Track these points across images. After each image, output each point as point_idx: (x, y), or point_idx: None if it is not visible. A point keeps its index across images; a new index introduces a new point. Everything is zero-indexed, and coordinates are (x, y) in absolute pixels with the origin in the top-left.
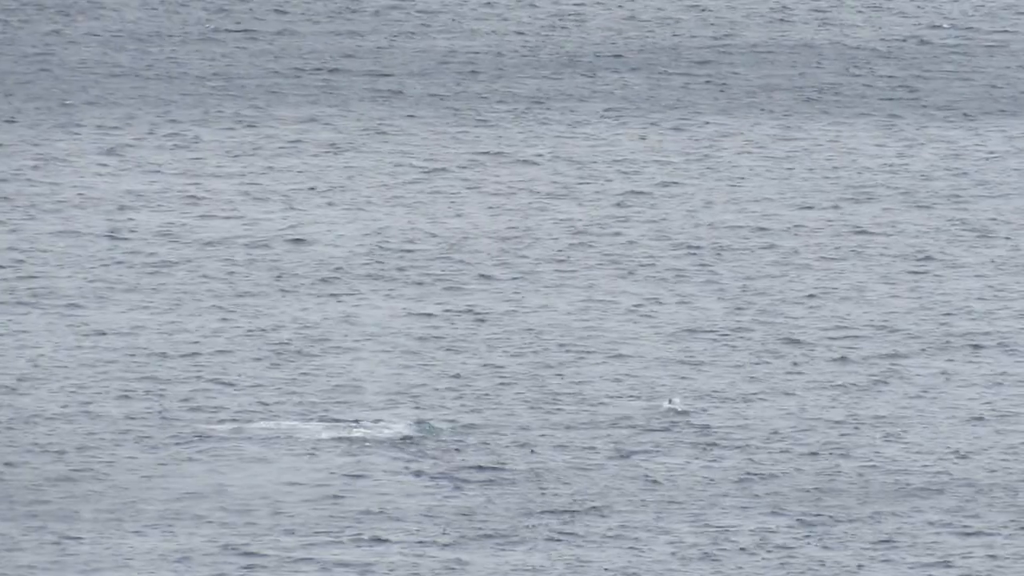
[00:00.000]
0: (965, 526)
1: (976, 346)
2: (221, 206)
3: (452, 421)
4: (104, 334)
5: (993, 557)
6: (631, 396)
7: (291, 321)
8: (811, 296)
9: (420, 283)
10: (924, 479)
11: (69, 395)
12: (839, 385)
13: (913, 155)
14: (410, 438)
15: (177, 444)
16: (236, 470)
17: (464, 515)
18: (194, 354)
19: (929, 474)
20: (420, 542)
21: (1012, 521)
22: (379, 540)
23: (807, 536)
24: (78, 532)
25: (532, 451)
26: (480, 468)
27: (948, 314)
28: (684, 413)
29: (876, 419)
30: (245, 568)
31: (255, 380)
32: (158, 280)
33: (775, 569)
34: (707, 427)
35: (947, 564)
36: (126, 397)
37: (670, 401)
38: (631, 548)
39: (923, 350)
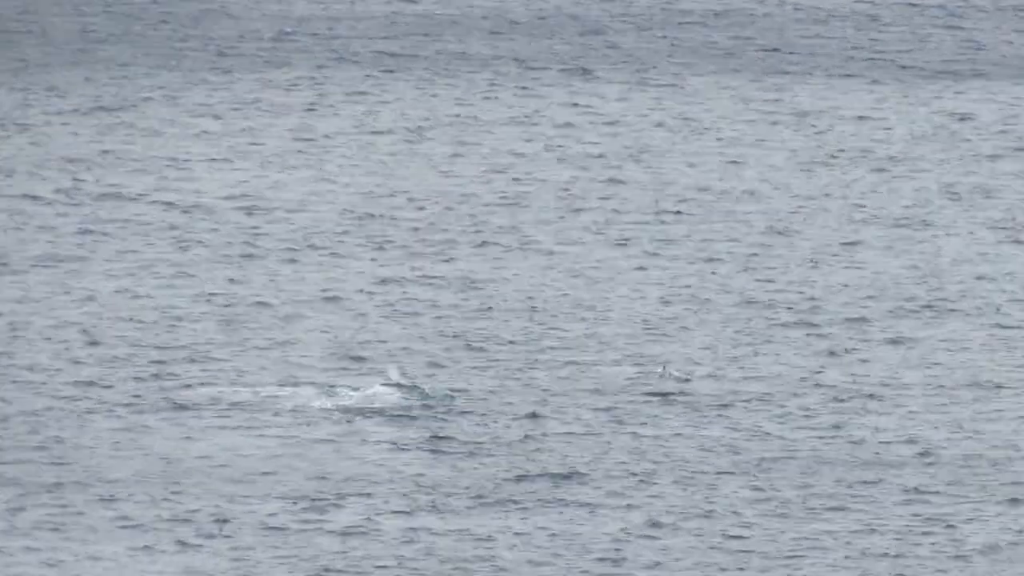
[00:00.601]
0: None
1: (971, 313)
2: (196, 168)
3: (443, 388)
4: (72, 298)
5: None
6: (622, 362)
7: (273, 287)
8: (810, 262)
9: (407, 247)
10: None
11: (36, 360)
12: (830, 351)
13: (901, 118)
14: (402, 405)
15: (154, 412)
16: (218, 437)
17: (450, 482)
18: (188, 320)
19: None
20: (406, 510)
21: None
22: (364, 507)
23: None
24: (57, 501)
25: (534, 415)
26: (470, 435)
27: (938, 277)
28: (680, 379)
29: (865, 385)
30: (226, 536)
31: (235, 346)
32: (135, 243)
33: (765, 542)
34: (698, 393)
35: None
36: (114, 362)
37: (664, 368)
38: (619, 515)
39: (914, 314)
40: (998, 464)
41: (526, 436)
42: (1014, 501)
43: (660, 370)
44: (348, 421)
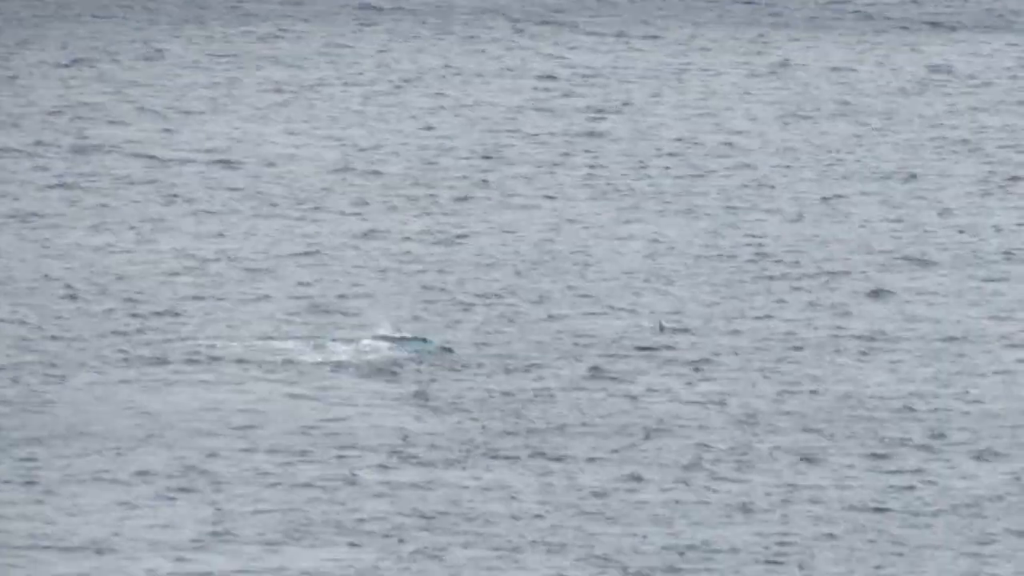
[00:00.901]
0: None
1: (955, 266)
2: (186, 122)
3: (431, 341)
4: (64, 254)
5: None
6: (609, 315)
7: (262, 241)
8: (796, 218)
9: (389, 201)
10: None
11: (26, 312)
12: (820, 305)
13: (890, 70)
14: (389, 359)
15: (136, 366)
16: (201, 391)
17: (439, 435)
18: (168, 274)
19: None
20: (392, 465)
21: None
22: (350, 462)
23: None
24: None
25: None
26: (456, 388)
27: (929, 231)
28: (672, 331)
29: (855, 339)
30: (211, 485)
31: (218, 300)
32: (114, 197)
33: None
34: (682, 347)
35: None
36: (93, 316)
37: (660, 325)
38: (610, 470)
39: (905, 268)
40: (976, 417)
41: (512, 390)
42: (985, 454)
43: (653, 324)
44: (334, 375)
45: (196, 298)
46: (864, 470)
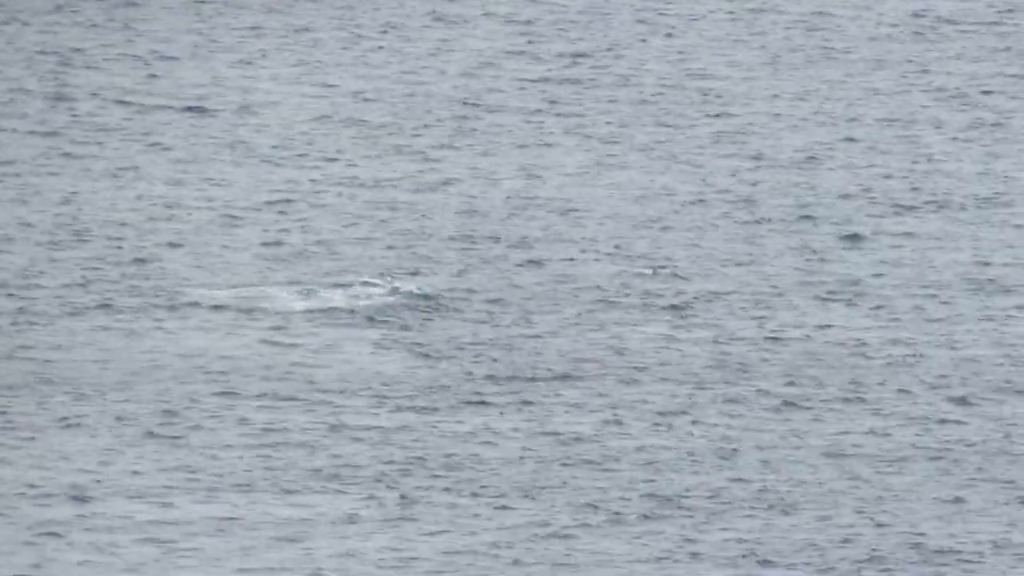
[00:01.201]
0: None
1: (960, 207)
2: (171, 69)
3: (424, 287)
4: (50, 202)
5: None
6: (600, 259)
7: (243, 188)
8: (793, 159)
9: (375, 151)
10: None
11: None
12: (810, 251)
13: (875, 14)
14: (377, 305)
15: (132, 313)
16: (187, 338)
17: (424, 380)
18: (149, 220)
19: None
20: (375, 411)
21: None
22: (334, 408)
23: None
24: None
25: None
26: (443, 334)
27: (927, 174)
28: (658, 276)
29: (838, 284)
30: (192, 431)
31: (217, 247)
32: (104, 145)
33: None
34: (681, 294)
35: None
36: (73, 263)
37: (654, 272)
38: (601, 417)
39: (898, 214)
40: (956, 363)
41: (497, 336)
42: (967, 399)
43: (642, 269)
44: (318, 321)
45: (176, 245)
46: (846, 415)
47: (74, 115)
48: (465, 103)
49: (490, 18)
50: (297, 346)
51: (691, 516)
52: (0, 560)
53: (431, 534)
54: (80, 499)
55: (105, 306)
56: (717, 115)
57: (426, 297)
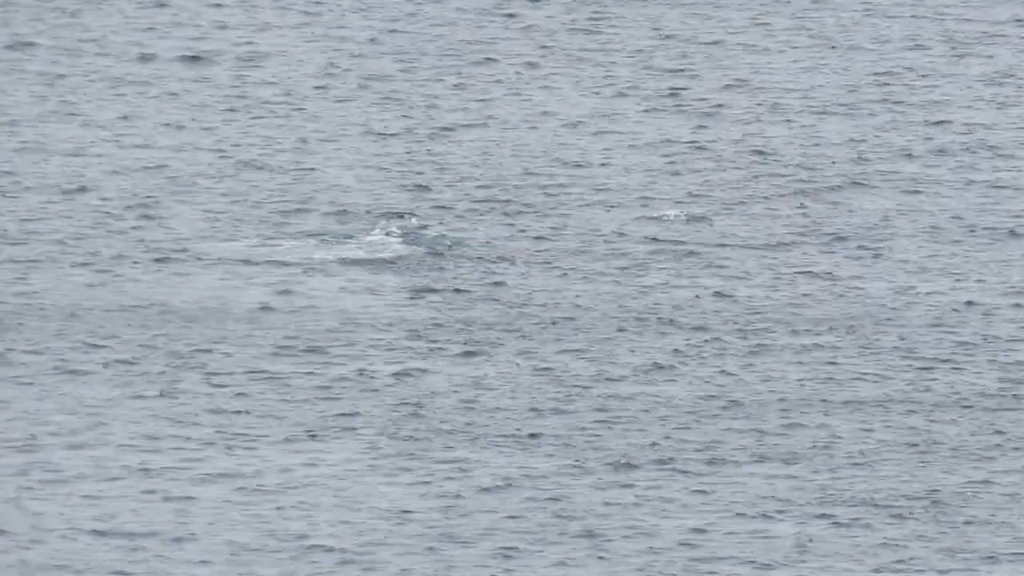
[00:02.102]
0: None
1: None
2: (167, 16)
3: (441, 235)
4: (49, 153)
5: None
6: (613, 211)
7: (263, 138)
8: (774, 107)
9: (393, 98)
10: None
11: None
12: (801, 194)
13: None
14: (399, 254)
15: (142, 264)
16: (208, 287)
17: (438, 328)
18: (152, 171)
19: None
20: (403, 359)
21: None
22: (357, 356)
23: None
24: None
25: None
26: (457, 282)
27: (937, 123)
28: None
29: (855, 232)
30: (206, 382)
31: (222, 198)
32: (105, 97)
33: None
34: (682, 243)
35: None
36: (83, 217)
37: (669, 217)
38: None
39: (892, 161)
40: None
41: (515, 284)
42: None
43: (665, 217)
44: (345, 269)
45: (203, 195)
46: (866, 367)
47: (66, 65)
48: (468, 54)
49: None
50: (310, 295)
51: (700, 465)
52: None
53: (434, 483)
54: (76, 447)
55: (115, 257)
56: (725, 68)
57: (442, 245)
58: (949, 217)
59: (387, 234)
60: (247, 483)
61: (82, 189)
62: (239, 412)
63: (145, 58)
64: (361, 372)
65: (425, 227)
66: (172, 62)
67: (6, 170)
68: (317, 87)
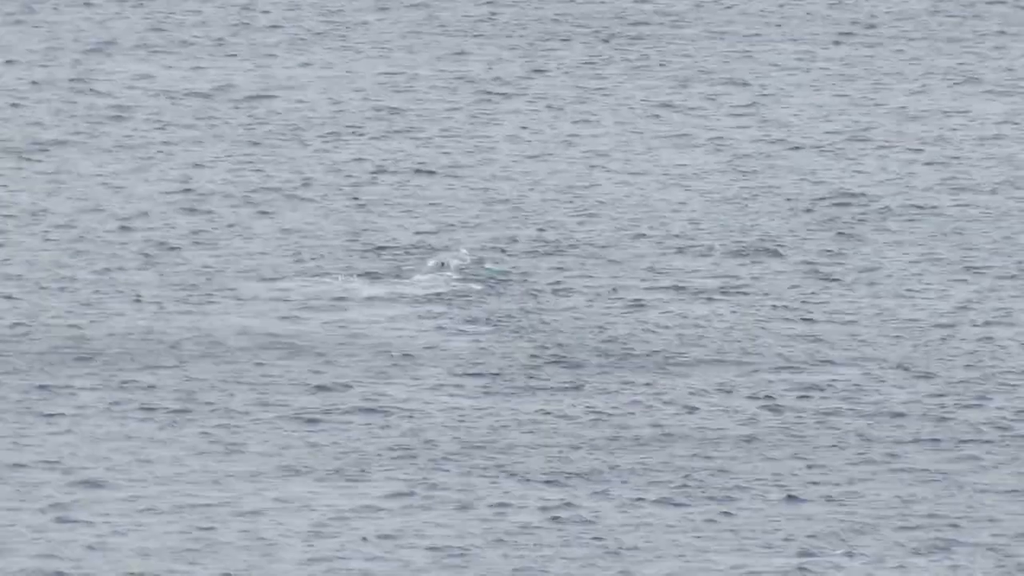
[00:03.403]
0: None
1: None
2: (208, 53)
3: (492, 265)
4: (84, 183)
5: None
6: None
7: (297, 169)
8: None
9: (415, 131)
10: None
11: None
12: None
13: None
14: (450, 287)
15: (185, 299)
16: (258, 322)
17: (498, 361)
18: (188, 208)
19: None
20: (456, 392)
21: None
22: (410, 388)
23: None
24: None
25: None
26: (507, 313)
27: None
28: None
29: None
30: (241, 416)
31: (266, 231)
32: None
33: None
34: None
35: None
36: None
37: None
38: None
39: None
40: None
41: (559, 315)
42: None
43: (705, 249)
44: (394, 303)
45: (244, 231)
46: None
47: (83, 102)
48: (486, 91)
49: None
50: (356, 327)
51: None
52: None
53: (486, 519)
54: (97, 485)
55: (161, 289)
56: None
57: (494, 273)
58: None
59: (440, 269)
60: (300, 519)
61: (124, 227)
62: (288, 448)
63: (187, 95)
64: (412, 411)
65: (475, 262)
66: (218, 96)
67: (24, 202)
68: (362, 120)
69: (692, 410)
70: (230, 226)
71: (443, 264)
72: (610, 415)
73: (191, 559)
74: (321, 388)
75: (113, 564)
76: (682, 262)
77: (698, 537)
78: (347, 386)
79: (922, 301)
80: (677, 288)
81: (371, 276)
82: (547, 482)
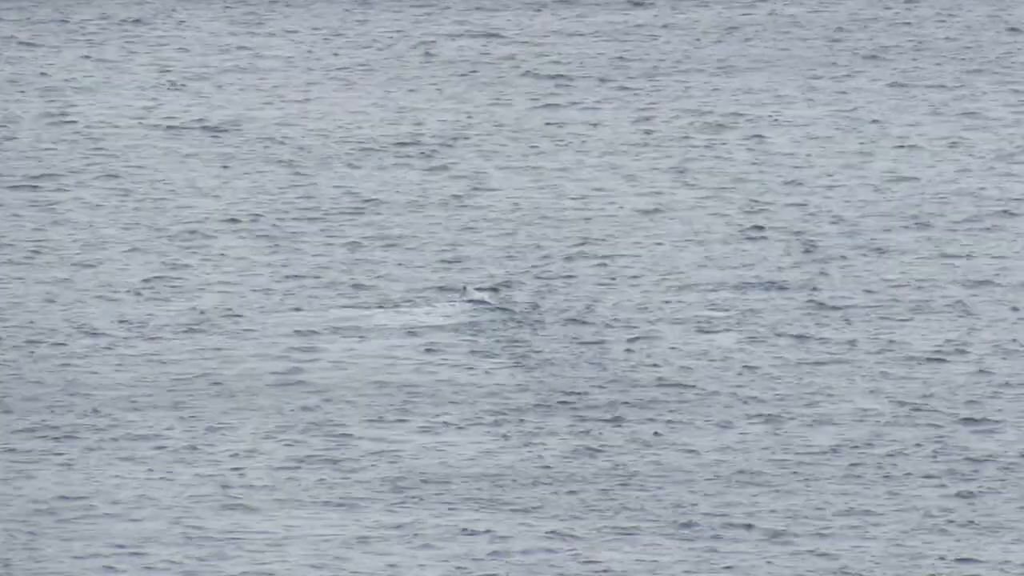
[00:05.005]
0: None
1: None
2: (233, 84)
3: (499, 297)
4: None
5: None
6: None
7: (323, 197)
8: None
9: (429, 162)
10: None
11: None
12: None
13: None
14: (473, 319)
15: (210, 334)
16: (283, 357)
17: (524, 394)
18: (205, 235)
19: None
20: (481, 423)
21: None
22: (435, 421)
23: None
24: None
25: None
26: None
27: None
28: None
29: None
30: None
31: (286, 265)
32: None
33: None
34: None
35: None
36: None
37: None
38: None
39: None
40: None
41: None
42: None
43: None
44: (418, 335)
45: (262, 263)
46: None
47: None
48: (495, 124)
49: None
50: (389, 360)
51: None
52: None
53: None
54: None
55: (179, 334)
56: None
57: (508, 309)
58: None
59: (470, 300)
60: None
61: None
62: (322, 480)
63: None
64: (440, 444)
65: (503, 293)
66: (213, 129)
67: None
68: (372, 153)
69: (690, 450)
70: (233, 257)
71: (465, 290)
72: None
73: None
74: (327, 421)
75: None
76: (681, 296)
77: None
78: (352, 419)
79: (924, 330)
80: (677, 321)
81: (380, 306)
82: (540, 517)
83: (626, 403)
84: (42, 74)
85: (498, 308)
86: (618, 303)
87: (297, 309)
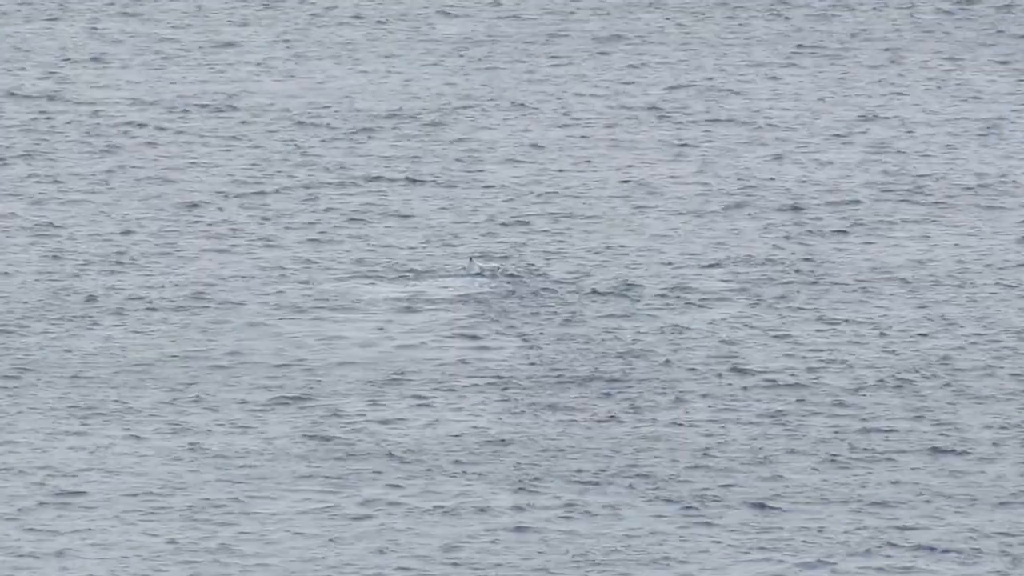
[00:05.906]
0: None
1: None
2: (244, 67)
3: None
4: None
5: None
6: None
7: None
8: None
9: (432, 145)
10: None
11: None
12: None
13: None
14: (473, 293)
15: (220, 308)
16: (285, 331)
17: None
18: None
19: None
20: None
21: None
22: (431, 396)
23: None
24: None
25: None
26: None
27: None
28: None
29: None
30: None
31: (284, 239)
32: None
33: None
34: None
35: None
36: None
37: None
38: None
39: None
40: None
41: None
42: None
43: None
44: (417, 311)
45: (261, 238)
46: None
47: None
48: (494, 99)
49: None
50: (390, 337)
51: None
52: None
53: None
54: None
55: (180, 308)
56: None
57: (507, 280)
58: None
59: (476, 274)
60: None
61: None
62: (340, 458)
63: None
64: (432, 421)
65: (508, 267)
66: (221, 111)
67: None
68: (377, 130)
69: (689, 422)
70: (236, 230)
71: (471, 260)
72: (615, 421)
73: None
74: (372, 396)
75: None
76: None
77: (687, 541)
78: (352, 395)
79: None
80: (672, 299)
81: (388, 282)
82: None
83: (618, 380)
84: (40, 48)
85: (501, 280)
86: (613, 277)
87: (302, 282)
